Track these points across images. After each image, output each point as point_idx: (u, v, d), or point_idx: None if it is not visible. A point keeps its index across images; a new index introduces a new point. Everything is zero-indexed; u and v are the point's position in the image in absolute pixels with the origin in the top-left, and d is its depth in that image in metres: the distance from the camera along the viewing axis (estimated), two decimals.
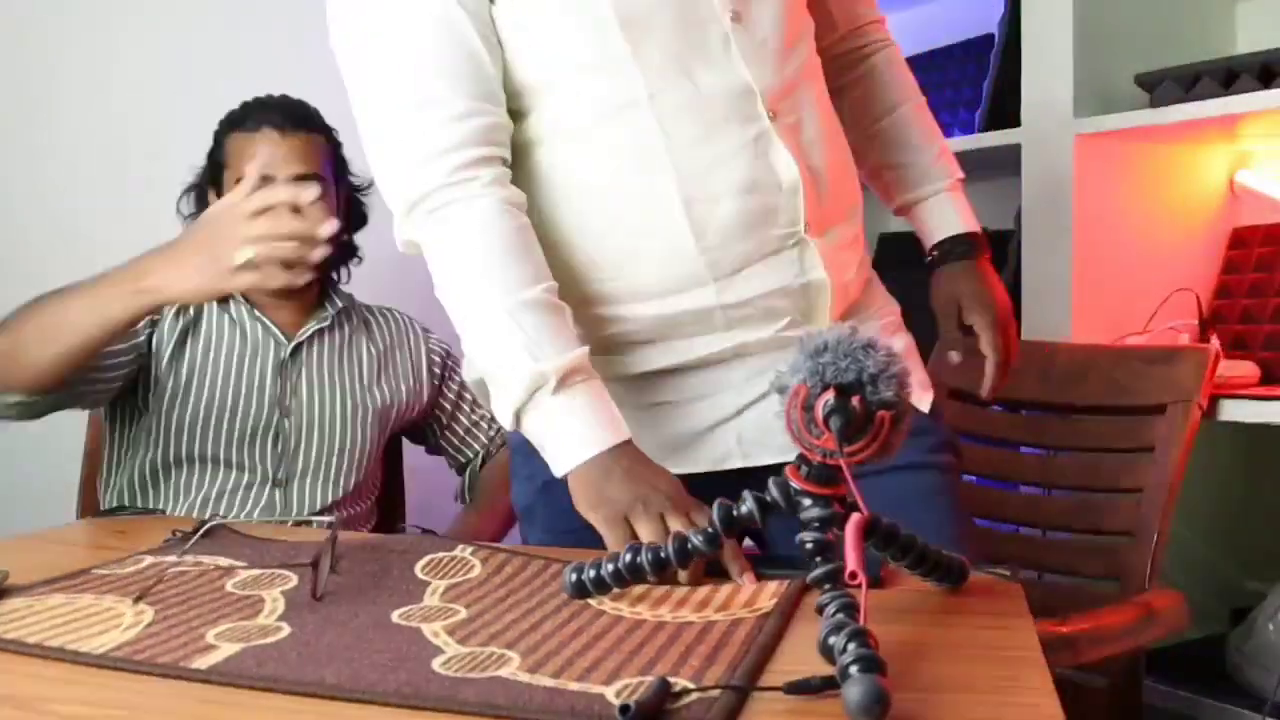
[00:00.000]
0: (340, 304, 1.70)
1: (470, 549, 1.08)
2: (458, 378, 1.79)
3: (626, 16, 1.09)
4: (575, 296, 1.13)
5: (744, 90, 1.11)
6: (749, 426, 1.18)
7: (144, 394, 1.60)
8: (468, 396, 1.80)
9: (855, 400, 0.80)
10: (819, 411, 0.80)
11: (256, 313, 1.64)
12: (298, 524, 1.55)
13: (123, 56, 2.16)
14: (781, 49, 1.15)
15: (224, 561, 1.05)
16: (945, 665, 0.80)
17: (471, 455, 1.84)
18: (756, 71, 1.12)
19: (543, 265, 1.11)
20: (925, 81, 2.51)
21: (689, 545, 0.90)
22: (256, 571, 1.01)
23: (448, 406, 1.82)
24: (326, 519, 1.07)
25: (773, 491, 0.87)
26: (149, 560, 1.05)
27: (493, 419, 1.70)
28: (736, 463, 1.18)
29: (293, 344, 1.64)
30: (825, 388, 0.80)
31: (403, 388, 1.75)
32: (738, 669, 0.75)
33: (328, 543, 0.97)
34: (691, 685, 0.72)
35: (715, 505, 0.90)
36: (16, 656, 0.79)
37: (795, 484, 0.86)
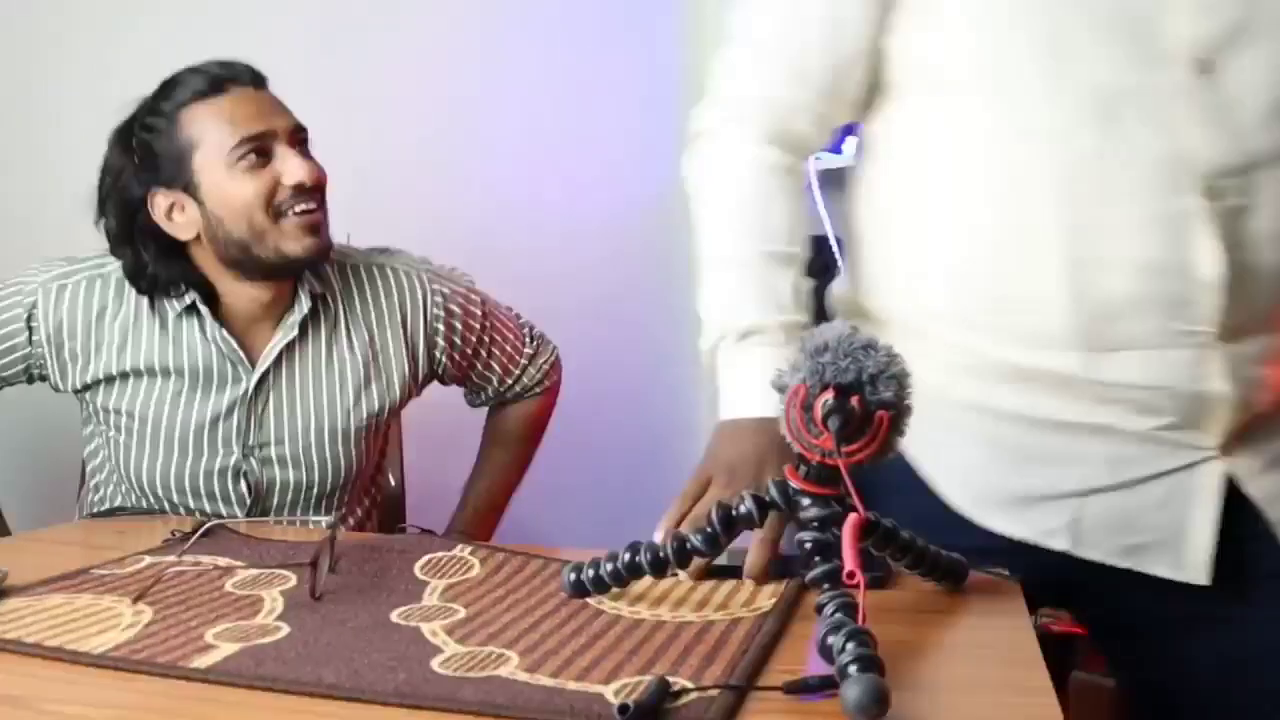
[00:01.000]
0: (308, 301, 1.42)
1: (469, 548, 1.08)
2: (475, 324, 1.59)
3: (1052, 33, 0.95)
4: (932, 310, 1.05)
5: (1176, 157, 0.94)
6: (1090, 514, 1.02)
7: (98, 426, 1.45)
8: (486, 340, 1.61)
9: (854, 400, 0.80)
10: (818, 411, 0.80)
11: (209, 329, 1.38)
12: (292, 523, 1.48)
13: (122, 58, 2.16)
14: (1261, 115, 0.95)
15: (223, 561, 1.05)
16: (945, 665, 0.80)
17: (492, 393, 1.68)
18: (1211, 137, 0.94)
19: (781, 224, 1.08)
20: None
21: (688, 545, 0.90)
22: (256, 571, 1.01)
23: (458, 358, 1.58)
24: (326, 519, 1.04)
25: (772, 491, 0.87)
26: (148, 560, 1.05)
27: (520, 358, 1.66)
28: (1060, 544, 1.03)
29: (256, 374, 1.40)
30: (825, 387, 0.80)
31: (396, 379, 1.50)
32: (736, 668, 0.75)
33: (326, 543, 0.97)
34: (690, 684, 0.72)
35: (715, 504, 0.90)
36: (16, 656, 0.79)
37: (794, 483, 0.86)
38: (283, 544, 1.13)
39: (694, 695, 0.70)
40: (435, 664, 0.77)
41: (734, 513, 0.89)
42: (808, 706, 0.70)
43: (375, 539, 1.17)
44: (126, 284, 1.38)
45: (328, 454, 1.46)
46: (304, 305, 1.42)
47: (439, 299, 1.54)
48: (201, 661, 0.77)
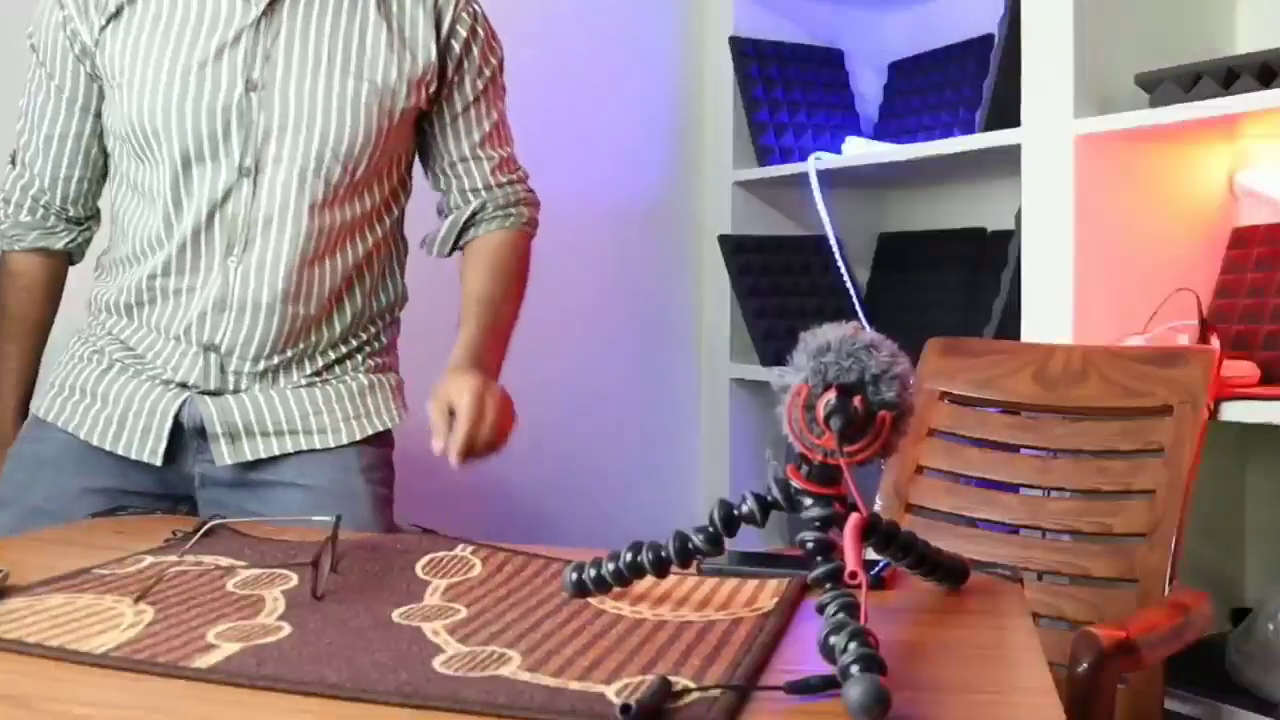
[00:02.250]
0: None
1: (470, 548, 1.08)
2: (488, 62, 1.48)
3: None
4: None
5: None
6: None
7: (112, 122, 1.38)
8: (488, 92, 1.49)
9: (857, 400, 0.80)
10: (820, 411, 0.80)
11: None
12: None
13: None
14: None
15: (224, 561, 1.05)
16: (945, 665, 0.80)
17: (461, 200, 1.52)
18: None
19: None
20: (925, 81, 2.53)
21: (689, 545, 0.90)
22: (257, 571, 1.01)
23: (453, 100, 1.46)
24: (328, 517, 1.03)
25: (774, 490, 0.87)
26: (149, 560, 1.05)
27: (503, 146, 1.53)
28: None
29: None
30: (827, 387, 0.81)
31: (420, 53, 1.40)
32: (738, 668, 0.75)
33: (328, 542, 0.97)
34: (692, 684, 0.72)
35: (717, 504, 0.90)
36: (18, 656, 0.79)
37: (796, 483, 0.86)
38: (284, 544, 1.13)
39: (696, 695, 0.70)
40: (437, 663, 0.77)
41: (736, 512, 0.89)
42: (809, 706, 0.70)
43: (376, 538, 1.17)
44: None
45: (334, 112, 1.35)
46: None
47: (474, 7, 1.46)
48: (203, 661, 0.77)
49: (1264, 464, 1.99)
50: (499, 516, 2.38)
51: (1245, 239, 1.93)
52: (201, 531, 1.11)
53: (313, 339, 1.42)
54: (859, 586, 0.74)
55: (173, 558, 1.05)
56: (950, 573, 0.96)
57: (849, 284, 2.52)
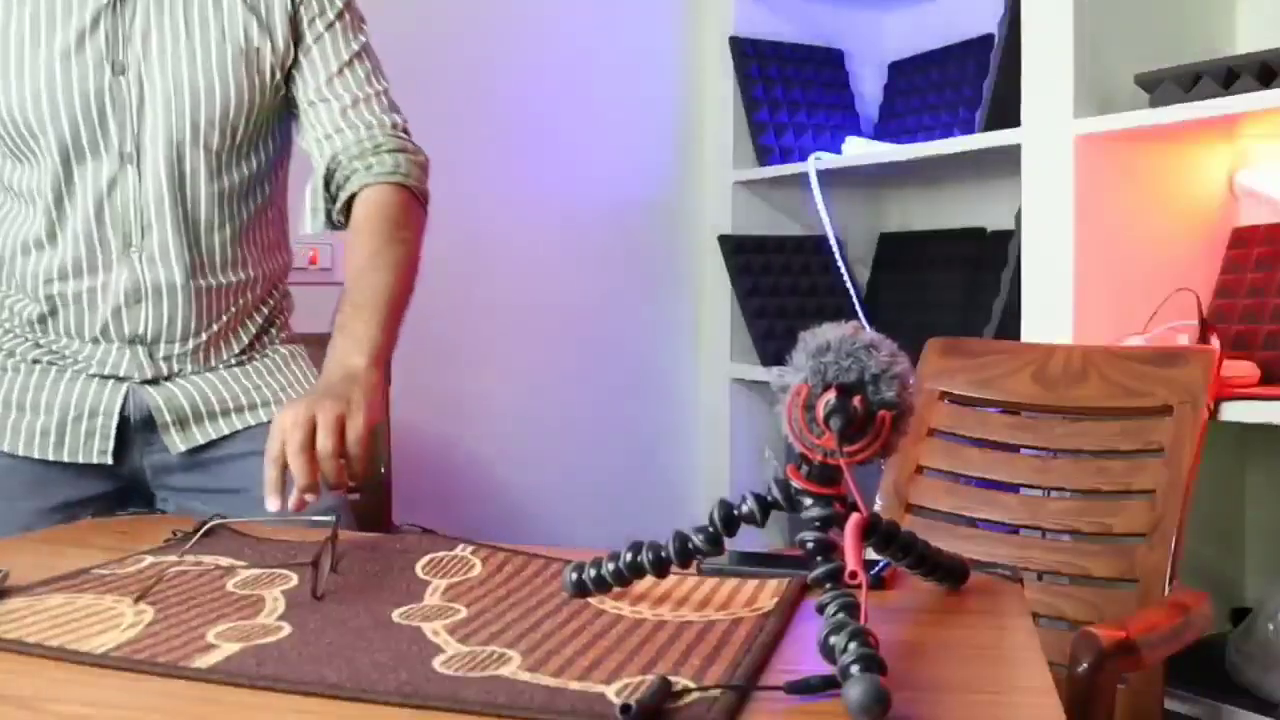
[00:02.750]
0: None
1: (470, 548, 1.08)
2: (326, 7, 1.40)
3: None
4: None
5: None
6: None
7: None
8: (333, 38, 1.40)
9: (856, 400, 0.80)
10: (820, 411, 0.80)
11: None
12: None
13: None
14: None
15: (224, 561, 1.05)
16: (945, 665, 0.80)
17: (318, 154, 1.40)
18: None
19: None
20: (925, 81, 2.53)
21: (689, 545, 0.90)
22: (257, 571, 1.01)
23: (304, 39, 1.39)
24: (328, 518, 1.02)
25: (774, 490, 0.87)
26: (149, 560, 1.05)
27: (385, 99, 1.42)
28: None
29: None
30: (826, 387, 0.80)
31: (275, 5, 1.37)
32: (738, 668, 0.75)
33: (328, 542, 0.97)
34: (692, 684, 0.72)
35: (717, 504, 0.90)
36: (18, 656, 0.79)
37: (796, 483, 0.86)
38: (284, 543, 1.13)
39: (696, 695, 0.70)
40: (437, 664, 0.77)
41: (736, 512, 0.89)
42: (809, 706, 0.70)
43: (376, 538, 1.17)
44: None
45: (201, 79, 1.32)
46: None
47: None
48: (203, 661, 0.77)
49: (1264, 464, 1.99)
50: (499, 516, 2.38)
51: (1245, 239, 1.93)
52: (201, 531, 1.11)
53: (231, 310, 1.42)
54: (859, 586, 0.74)
55: (173, 558, 1.05)
56: (950, 573, 0.96)
57: (849, 284, 2.52)
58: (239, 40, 1.35)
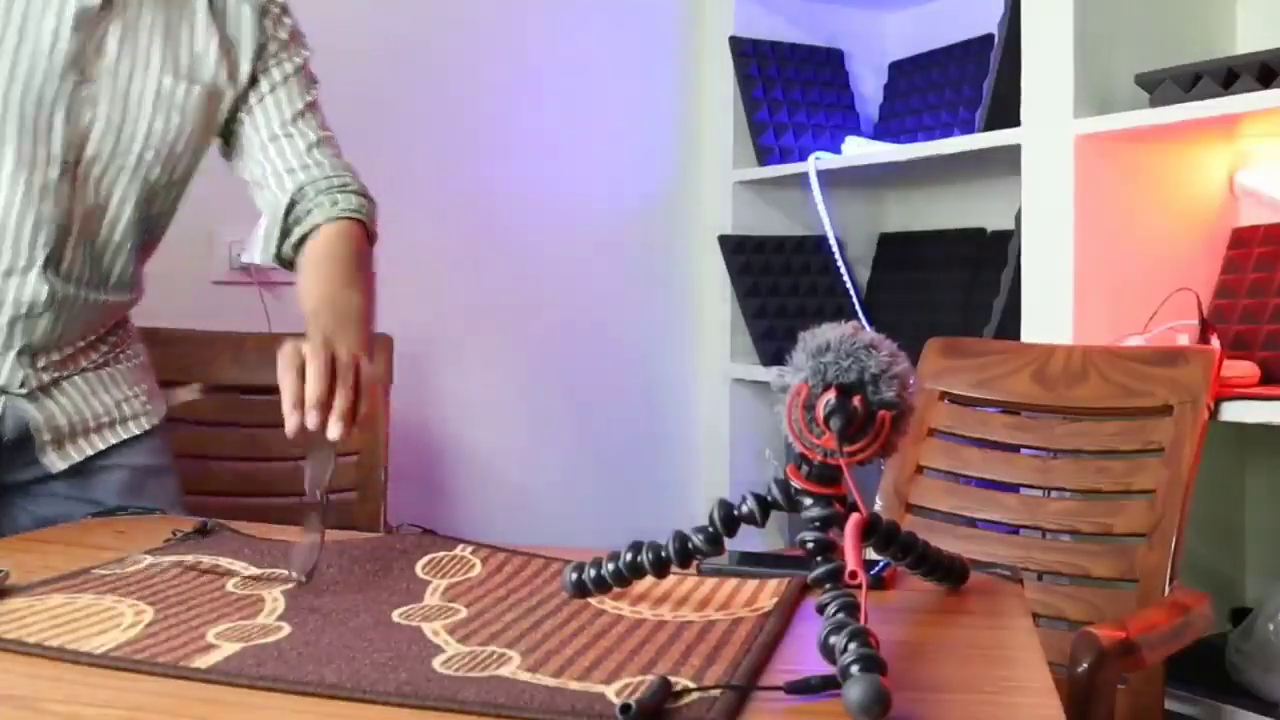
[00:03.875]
0: None
1: (470, 548, 1.08)
2: (302, 52, 1.43)
3: None
4: None
5: None
6: None
7: None
8: (296, 85, 1.42)
9: (856, 400, 0.80)
10: (820, 411, 0.80)
11: None
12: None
13: None
14: None
15: (224, 561, 1.05)
16: (945, 665, 0.80)
17: (278, 187, 1.39)
18: None
19: None
20: (925, 81, 2.53)
21: (689, 545, 0.90)
22: (257, 571, 1.01)
23: (270, 76, 1.40)
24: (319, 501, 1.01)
25: (774, 490, 0.87)
26: (149, 560, 1.05)
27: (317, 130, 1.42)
28: None
29: None
30: (827, 387, 0.80)
31: (245, 51, 1.38)
32: (738, 668, 0.75)
33: (318, 512, 0.97)
34: (692, 684, 0.72)
35: (717, 504, 0.90)
36: (16, 656, 0.79)
37: (796, 483, 0.86)
38: (284, 544, 1.13)
39: (696, 695, 0.70)
40: (436, 664, 0.77)
41: (736, 512, 0.89)
42: (809, 706, 0.70)
43: (376, 538, 1.17)
44: None
45: (160, 114, 1.32)
46: None
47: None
48: (203, 661, 0.77)
49: (1264, 464, 1.99)
50: (498, 516, 2.38)
51: (1245, 239, 1.93)
52: (201, 532, 1.11)
53: (110, 324, 1.42)
54: (859, 586, 0.74)
55: (173, 558, 1.05)
56: (950, 573, 0.96)
57: (849, 284, 2.52)
58: (206, 82, 1.36)
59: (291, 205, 1.39)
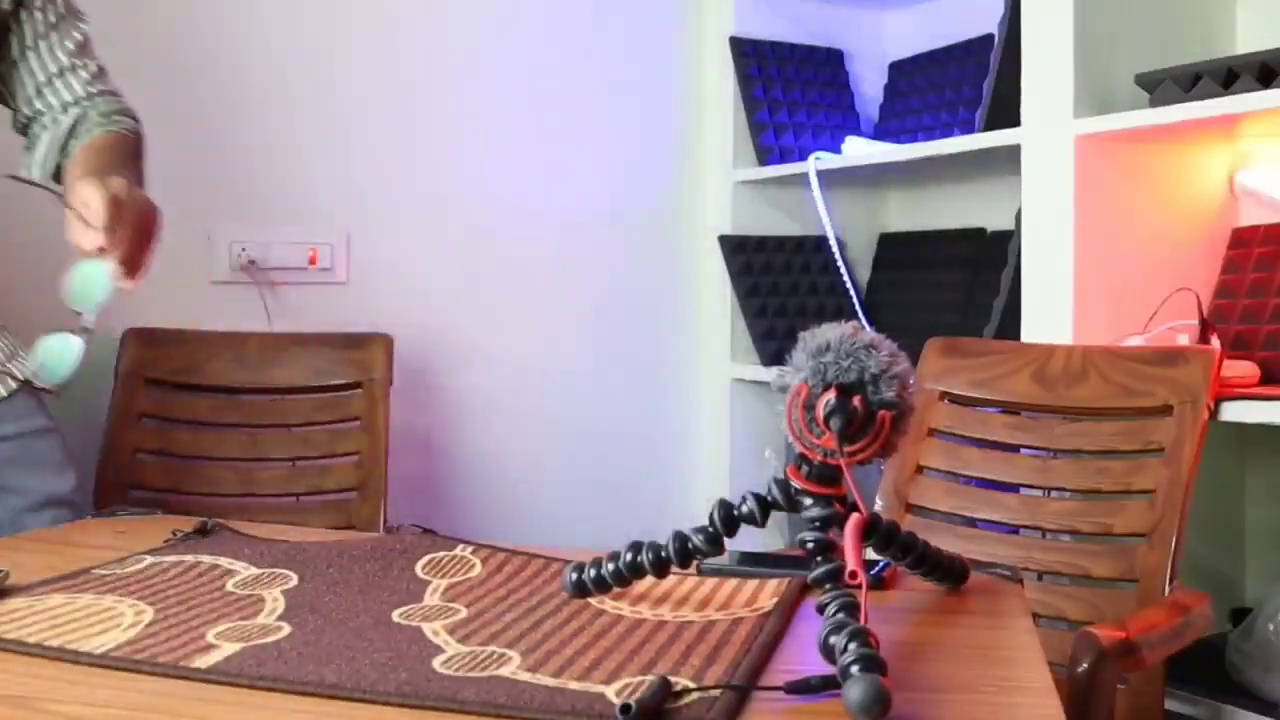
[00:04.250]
0: None
1: (470, 548, 1.08)
2: None
3: None
4: None
5: None
6: None
7: None
8: (68, 23, 1.45)
9: (856, 400, 0.80)
10: (820, 411, 0.80)
11: None
12: None
13: None
14: None
15: (224, 561, 1.05)
16: (945, 665, 0.80)
17: (82, 109, 1.45)
18: None
19: None
20: (925, 81, 2.53)
21: (689, 545, 0.90)
22: (257, 571, 1.01)
23: (35, 21, 1.44)
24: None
25: (774, 490, 0.87)
26: (149, 560, 1.05)
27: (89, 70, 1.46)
28: None
29: None
30: (827, 387, 0.80)
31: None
32: (738, 668, 0.75)
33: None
34: (692, 684, 0.72)
35: (717, 504, 0.90)
36: (16, 656, 0.79)
37: (796, 483, 0.86)
38: (284, 544, 1.13)
39: (696, 695, 0.70)
40: (436, 664, 0.77)
41: (736, 512, 0.89)
42: (809, 706, 0.70)
43: (376, 539, 1.17)
44: None
45: None
46: None
47: None
48: (203, 661, 0.77)
49: (1264, 464, 1.99)
50: (498, 516, 2.38)
51: (1245, 239, 1.93)
52: (201, 532, 1.11)
53: None
54: (859, 586, 0.74)
55: (173, 558, 1.05)
56: (950, 573, 0.96)
57: (849, 284, 2.52)
58: None
59: (73, 127, 1.44)
